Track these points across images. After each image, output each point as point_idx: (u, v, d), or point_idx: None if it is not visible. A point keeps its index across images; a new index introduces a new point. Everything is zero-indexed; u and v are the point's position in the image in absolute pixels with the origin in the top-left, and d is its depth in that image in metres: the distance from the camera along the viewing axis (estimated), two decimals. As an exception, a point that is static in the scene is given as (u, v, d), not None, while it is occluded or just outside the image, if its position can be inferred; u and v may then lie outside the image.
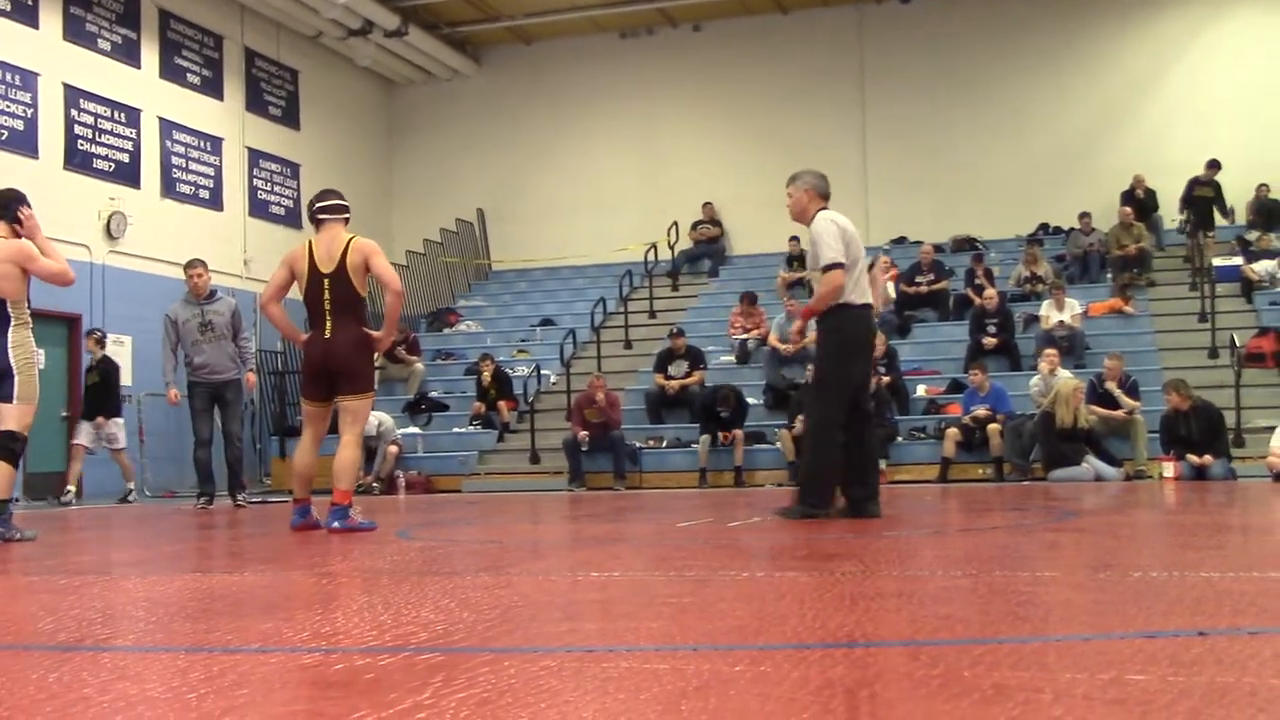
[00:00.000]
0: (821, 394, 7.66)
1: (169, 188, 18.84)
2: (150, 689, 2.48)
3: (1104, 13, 21.75)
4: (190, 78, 19.50)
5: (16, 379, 7.45)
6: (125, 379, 16.22)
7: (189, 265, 12.21)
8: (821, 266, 7.49)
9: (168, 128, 18.90)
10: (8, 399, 7.46)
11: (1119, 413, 14.71)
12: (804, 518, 7.34)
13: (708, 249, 22.90)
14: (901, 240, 21.96)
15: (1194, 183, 19.96)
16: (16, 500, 7.95)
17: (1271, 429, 13.63)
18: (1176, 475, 13.70)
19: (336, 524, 7.49)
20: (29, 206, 7.74)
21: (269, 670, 2.68)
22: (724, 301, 20.76)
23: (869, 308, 7.78)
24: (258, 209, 20.82)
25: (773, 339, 17.90)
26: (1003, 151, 21.91)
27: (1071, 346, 16.69)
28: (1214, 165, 19.81)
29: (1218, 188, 20.04)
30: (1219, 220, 20.15)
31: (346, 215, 7.91)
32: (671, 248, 22.82)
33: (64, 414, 16.28)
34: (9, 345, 7.45)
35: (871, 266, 7.97)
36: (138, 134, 18.30)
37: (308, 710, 2.25)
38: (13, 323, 7.49)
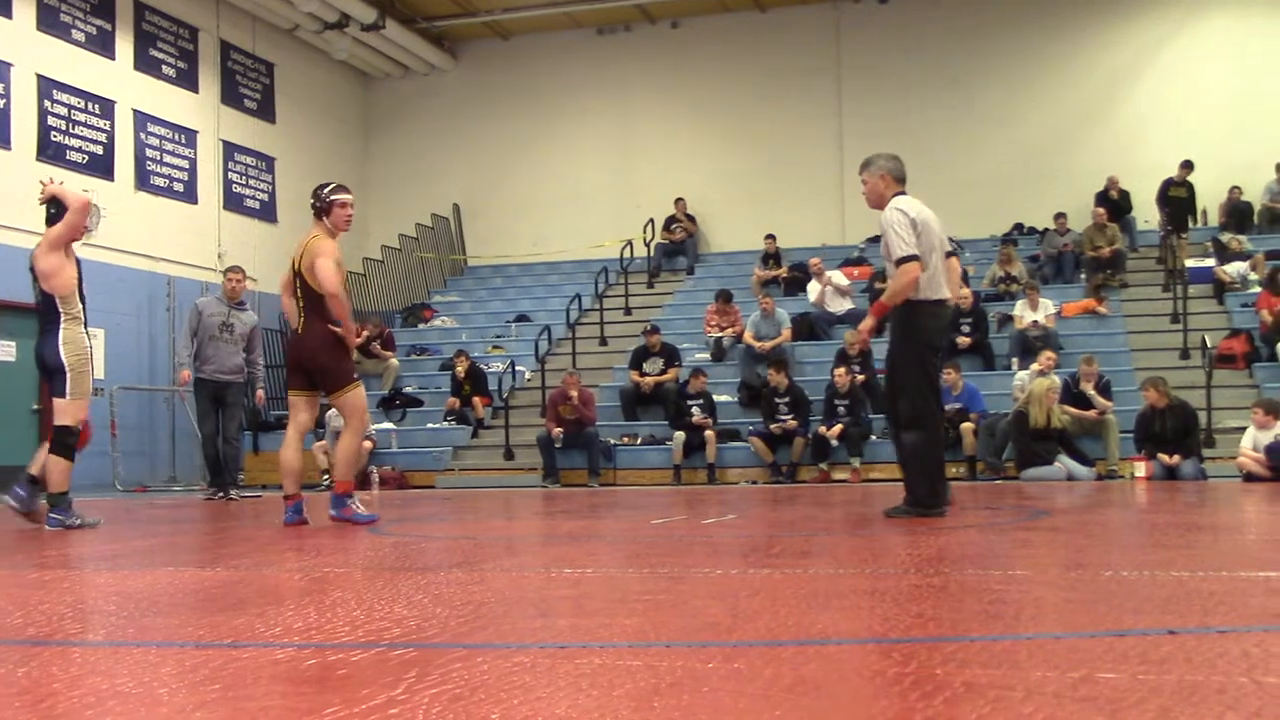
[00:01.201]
0: (912, 393, 7.24)
1: (143, 180, 18.74)
2: (120, 684, 2.46)
3: (1079, 15, 21.85)
4: (165, 70, 19.40)
5: (69, 375, 7.77)
6: (99, 372, 16.12)
7: (229, 270, 13.06)
8: (895, 260, 7.14)
9: (142, 120, 18.80)
10: (61, 394, 7.80)
11: (1092, 413, 14.78)
12: (917, 517, 7.11)
13: (681, 247, 22.90)
14: (877, 239, 21.92)
15: (1168, 183, 20.07)
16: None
17: (1242, 429, 13.72)
18: (1148, 475, 13.78)
19: (333, 512, 7.69)
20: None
21: (241, 666, 2.67)
22: (699, 299, 20.78)
23: (943, 304, 7.39)
24: (232, 202, 20.73)
25: (748, 336, 17.93)
26: (978, 152, 21.98)
27: (1045, 346, 16.74)
28: (1187, 166, 19.93)
29: (1191, 188, 20.16)
30: (1191, 224, 20.29)
31: (315, 209, 7.83)
32: (648, 244, 22.82)
33: (35, 407, 16.19)
34: (60, 343, 7.77)
35: (950, 256, 7.49)
36: (112, 126, 18.20)
37: (280, 706, 2.24)
38: (63, 319, 7.80)
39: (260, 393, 13.29)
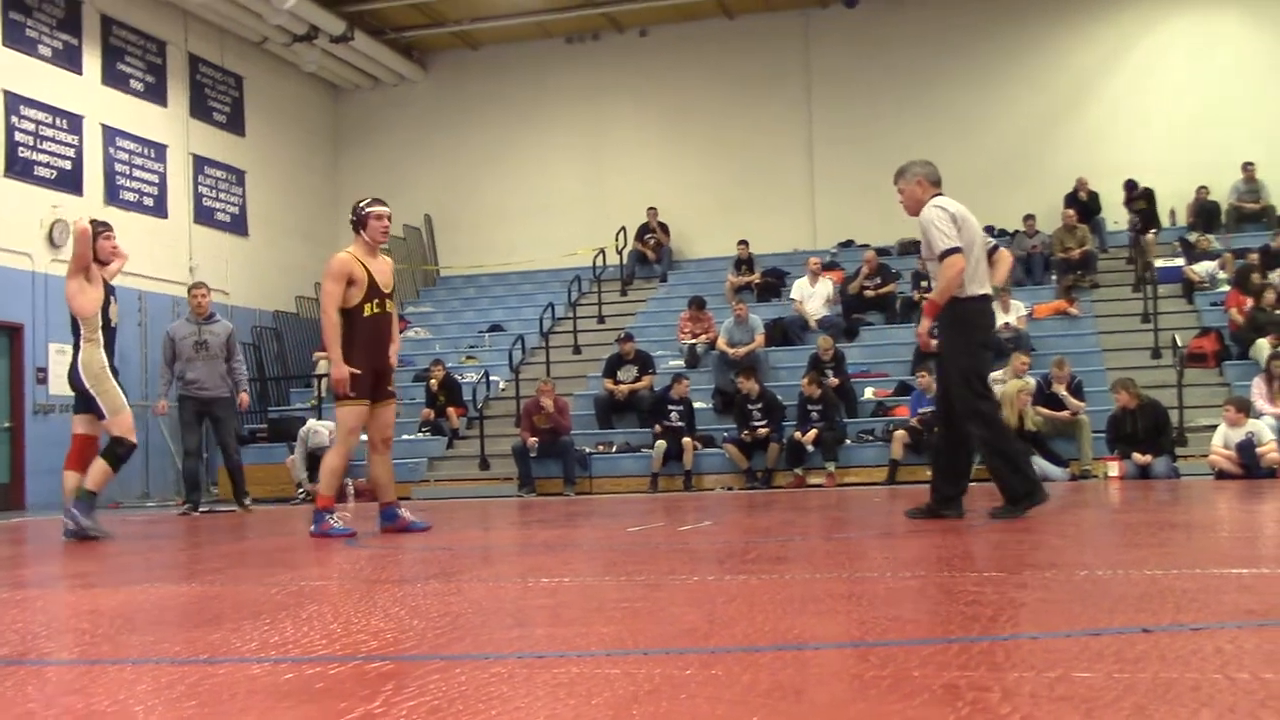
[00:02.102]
0: (971, 392, 7.14)
1: (112, 195, 18.63)
2: (96, 702, 2.45)
3: (1046, 19, 21.98)
4: (133, 84, 19.30)
5: (97, 398, 8.12)
6: (66, 388, 16.05)
7: (193, 287, 13.07)
8: (938, 255, 7.08)
9: (110, 134, 18.69)
10: (100, 415, 8.20)
11: (1065, 414, 14.85)
12: (1021, 516, 7.02)
13: (656, 255, 22.90)
14: (849, 243, 22.06)
15: (1129, 197, 20.24)
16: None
17: (1213, 428, 13.81)
18: (1121, 474, 13.88)
19: (312, 528, 7.71)
20: (110, 235, 8.44)
21: (218, 681, 2.66)
22: (673, 306, 20.79)
23: (987, 299, 7.35)
24: (203, 216, 20.62)
25: (721, 343, 17.95)
26: (948, 155, 21.85)
27: (1017, 348, 16.81)
28: (1130, 187, 20.16)
29: (1150, 196, 20.25)
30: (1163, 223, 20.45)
31: (352, 223, 7.88)
32: (620, 252, 22.82)
33: (6, 424, 16.09)
34: (79, 367, 8.14)
35: (992, 252, 7.48)
36: (80, 141, 18.08)
37: (257, 721, 2.24)
38: (82, 342, 8.13)
39: (244, 396, 13.12)
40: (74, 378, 8.22)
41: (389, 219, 7.91)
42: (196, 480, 12.80)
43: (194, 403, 12.56)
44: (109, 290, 8.33)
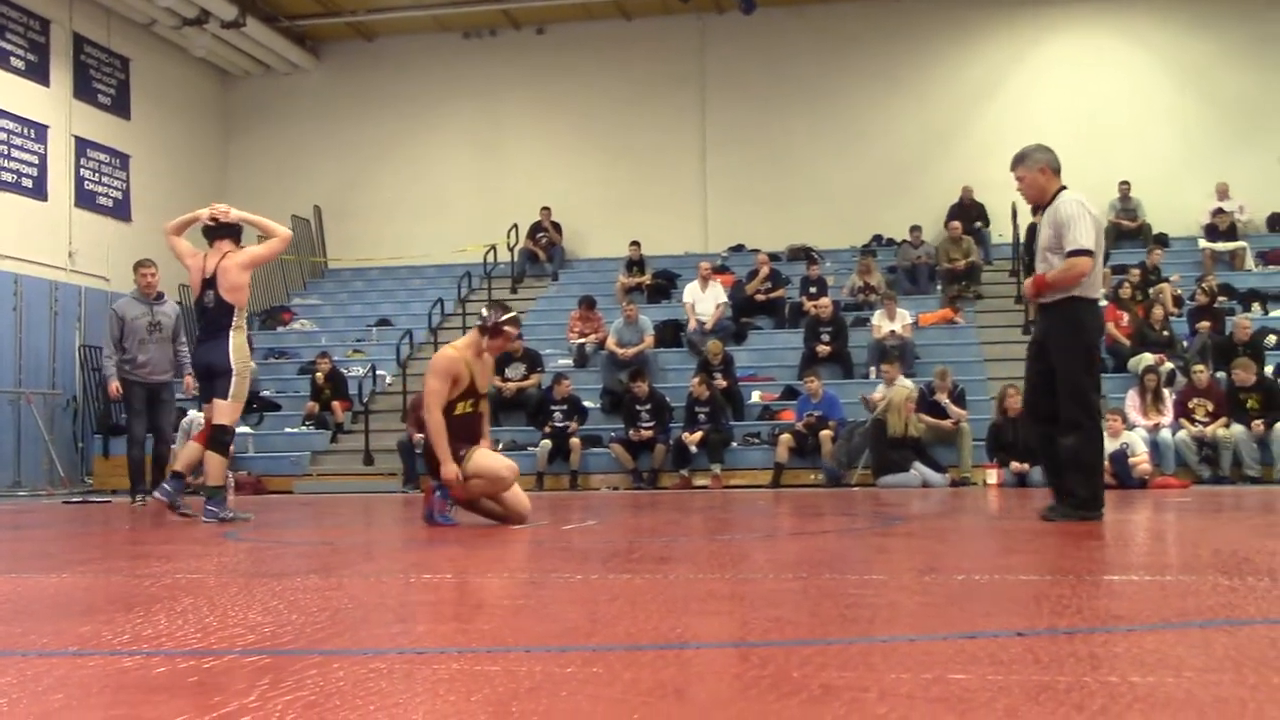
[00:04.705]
0: (1078, 394, 7.03)
1: (-12, 175, 18.13)
2: (-42, 694, 2.38)
3: (937, 32, 22.35)
4: (14, 61, 18.75)
5: (233, 379, 8.47)
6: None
7: (140, 264, 12.11)
8: (1068, 250, 6.95)
9: (-11, 113, 18.19)
10: (222, 395, 8.49)
11: (947, 422, 15.11)
12: (1078, 520, 6.90)
13: (548, 254, 22.86)
14: (739, 248, 22.22)
15: (1032, 228, 20.07)
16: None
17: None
18: (999, 482, 14.16)
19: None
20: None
21: (87, 674, 2.60)
22: (563, 305, 20.76)
23: (1098, 303, 7.33)
24: (84, 200, 20.12)
25: (610, 343, 17.97)
26: (839, 163, 22.33)
27: (902, 355, 17.09)
28: (1038, 211, 20.24)
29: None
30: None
31: (481, 326, 7.79)
32: (511, 250, 22.75)
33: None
34: (230, 348, 8.50)
35: (1106, 260, 7.57)
36: (-44, 118, 17.58)
37: (128, 714, 2.19)
38: (234, 327, 8.56)
39: (189, 379, 11.81)
40: (215, 359, 8.52)
41: (518, 339, 7.99)
42: (143, 470, 12.01)
43: (142, 388, 11.81)
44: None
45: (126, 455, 12.21)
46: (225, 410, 8.51)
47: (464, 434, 7.65)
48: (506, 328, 7.76)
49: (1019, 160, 7.46)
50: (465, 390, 7.62)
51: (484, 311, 7.87)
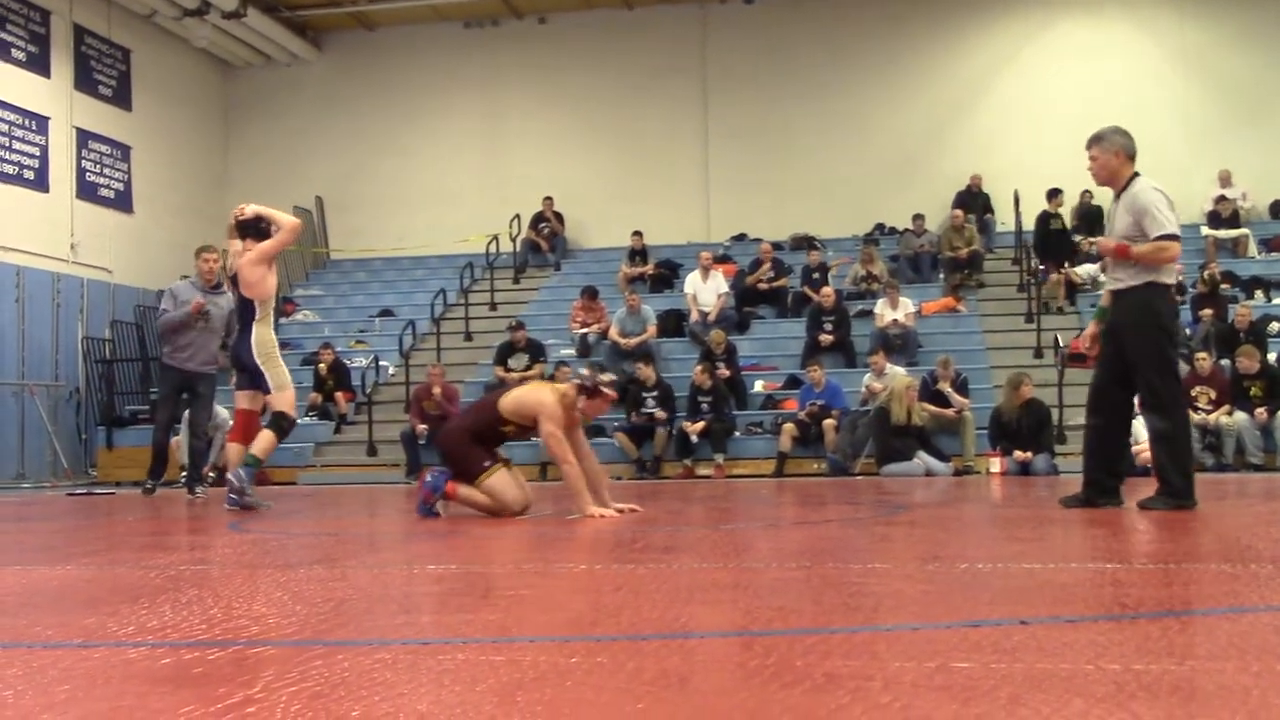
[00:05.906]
0: (1156, 380, 7.00)
1: (-10, 166, 18.13)
2: (-35, 685, 2.38)
3: (940, 20, 22.32)
4: (15, 53, 18.76)
5: (266, 374, 8.82)
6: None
7: (202, 250, 11.66)
8: (1156, 235, 6.89)
9: (-10, 105, 18.19)
10: (267, 390, 8.91)
11: (950, 411, 15.11)
12: (1173, 509, 6.83)
13: (550, 244, 22.85)
14: (742, 237, 22.22)
15: (1045, 216, 19.71)
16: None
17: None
18: (1002, 470, 14.17)
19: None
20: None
21: (92, 666, 2.60)
22: (565, 295, 20.75)
23: (1172, 289, 7.29)
24: (86, 191, 20.13)
25: (613, 333, 17.97)
26: (841, 152, 22.31)
27: (905, 344, 17.09)
28: (1057, 195, 19.80)
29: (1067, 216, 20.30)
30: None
31: (580, 386, 7.64)
32: (514, 240, 22.74)
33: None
34: (251, 344, 8.85)
35: None
36: (-43, 110, 17.58)
37: (133, 706, 2.19)
38: (257, 320, 8.92)
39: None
40: (242, 354, 8.92)
41: (609, 408, 8.26)
42: (165, 456, 11.85)
43: (179, 375, 11.40)
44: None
45: (153, 439, 11.91)
46: (279, 402, 8.96)
47: (493, 445, 7.63)
48: (605, 389, 7.66)
49: (1095, 140, 7.32)
50: (533, 427, 7.57)
51: (583, 370, 7.91)
